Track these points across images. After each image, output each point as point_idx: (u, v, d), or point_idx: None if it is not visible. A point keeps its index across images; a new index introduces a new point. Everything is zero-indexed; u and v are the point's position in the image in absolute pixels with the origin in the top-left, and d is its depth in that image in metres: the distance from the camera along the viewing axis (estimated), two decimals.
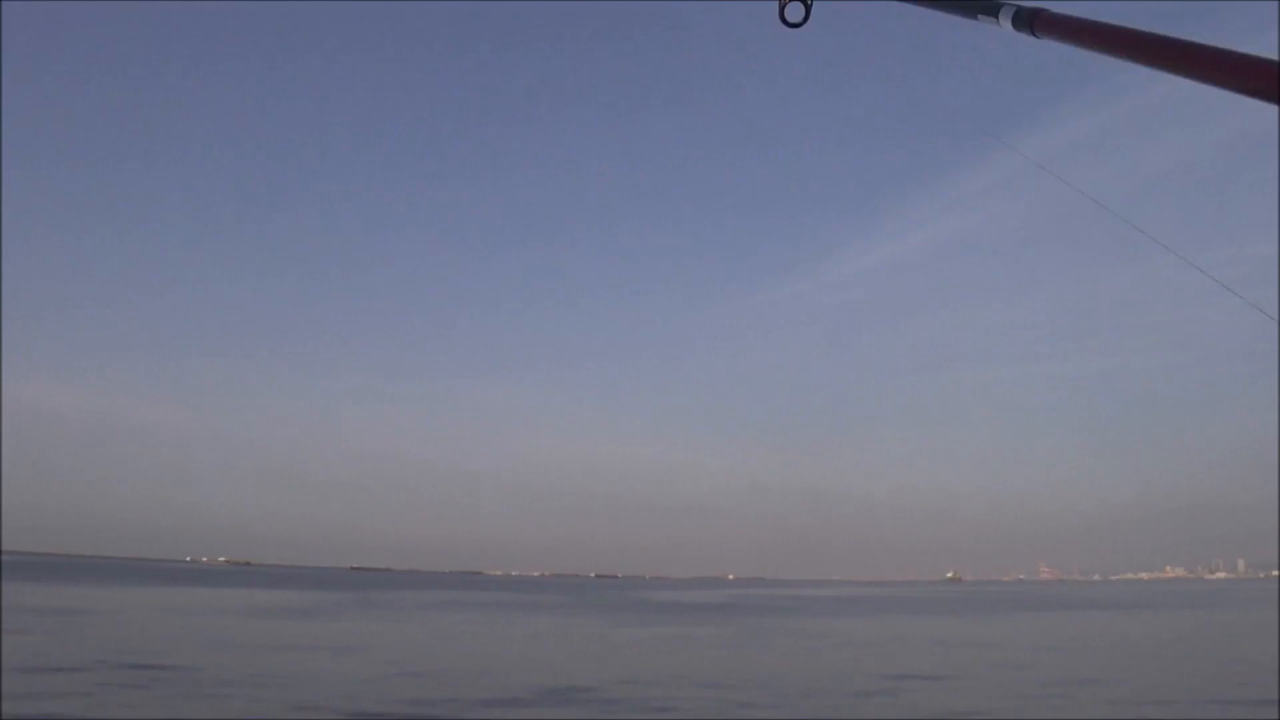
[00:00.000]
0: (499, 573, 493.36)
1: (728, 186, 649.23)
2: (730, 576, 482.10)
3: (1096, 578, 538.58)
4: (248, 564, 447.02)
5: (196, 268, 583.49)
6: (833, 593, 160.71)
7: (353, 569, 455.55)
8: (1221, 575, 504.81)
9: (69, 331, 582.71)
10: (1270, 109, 1.69)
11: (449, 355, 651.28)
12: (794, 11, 3.44)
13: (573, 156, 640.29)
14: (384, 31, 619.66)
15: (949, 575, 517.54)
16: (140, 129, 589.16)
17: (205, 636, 33.14)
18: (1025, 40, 2.30)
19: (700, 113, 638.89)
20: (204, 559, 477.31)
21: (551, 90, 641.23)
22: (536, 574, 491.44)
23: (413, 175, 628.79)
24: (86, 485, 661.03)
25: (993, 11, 2.36)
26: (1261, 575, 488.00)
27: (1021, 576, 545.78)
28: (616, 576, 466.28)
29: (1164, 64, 1.86)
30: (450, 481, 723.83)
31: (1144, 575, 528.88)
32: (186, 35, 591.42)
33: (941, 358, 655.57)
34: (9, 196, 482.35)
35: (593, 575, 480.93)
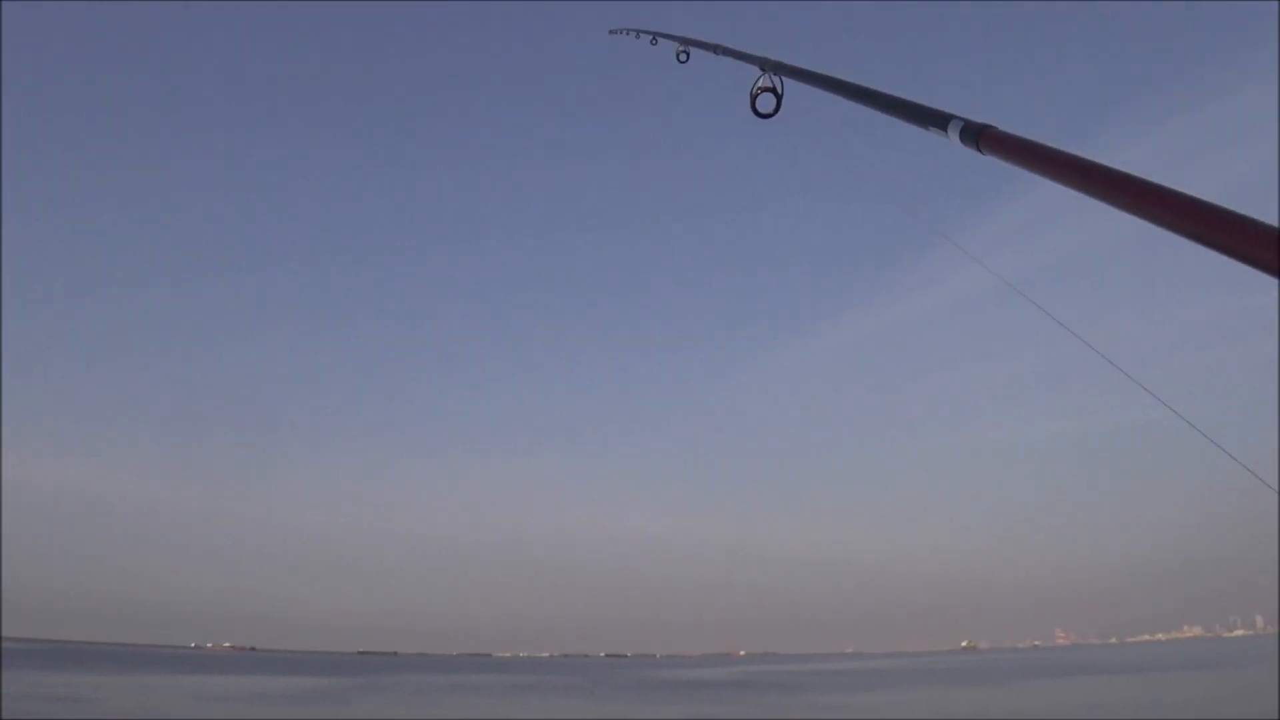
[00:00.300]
0: (507, 654, 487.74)
1: (711, 258, 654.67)
2: (741, 653, 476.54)
3: (1113, 640, 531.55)
4: (252, 649, 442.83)
5: (193, 341, 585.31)
6: (847, 666, 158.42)
7: (359, 653, 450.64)
8: (1240, 632, 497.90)
9: (65, 408, 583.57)
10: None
11: (458, 430, 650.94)
12: (765, 103, 3.64)
13: (565, 224, 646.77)
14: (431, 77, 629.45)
15: (964, 644, 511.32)
16: (129, 179, 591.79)
17: None
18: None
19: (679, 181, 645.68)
20: (208, 644, 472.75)
21: (548, 150, 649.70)
22: (545, 655, 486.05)
23: (406, 242, 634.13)
24: (83, 568, 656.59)
25: (942, 124, 2.44)
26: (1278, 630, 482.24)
27: (1037, 642, 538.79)
28: (626, 655, 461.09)
29: (1107, 197, 1.88)
30: (455, 560, 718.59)
31: (1161, 635, 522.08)
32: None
33: (946, 419, 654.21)
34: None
35: (602, 655, 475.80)
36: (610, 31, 6.63)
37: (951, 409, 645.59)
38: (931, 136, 2.49)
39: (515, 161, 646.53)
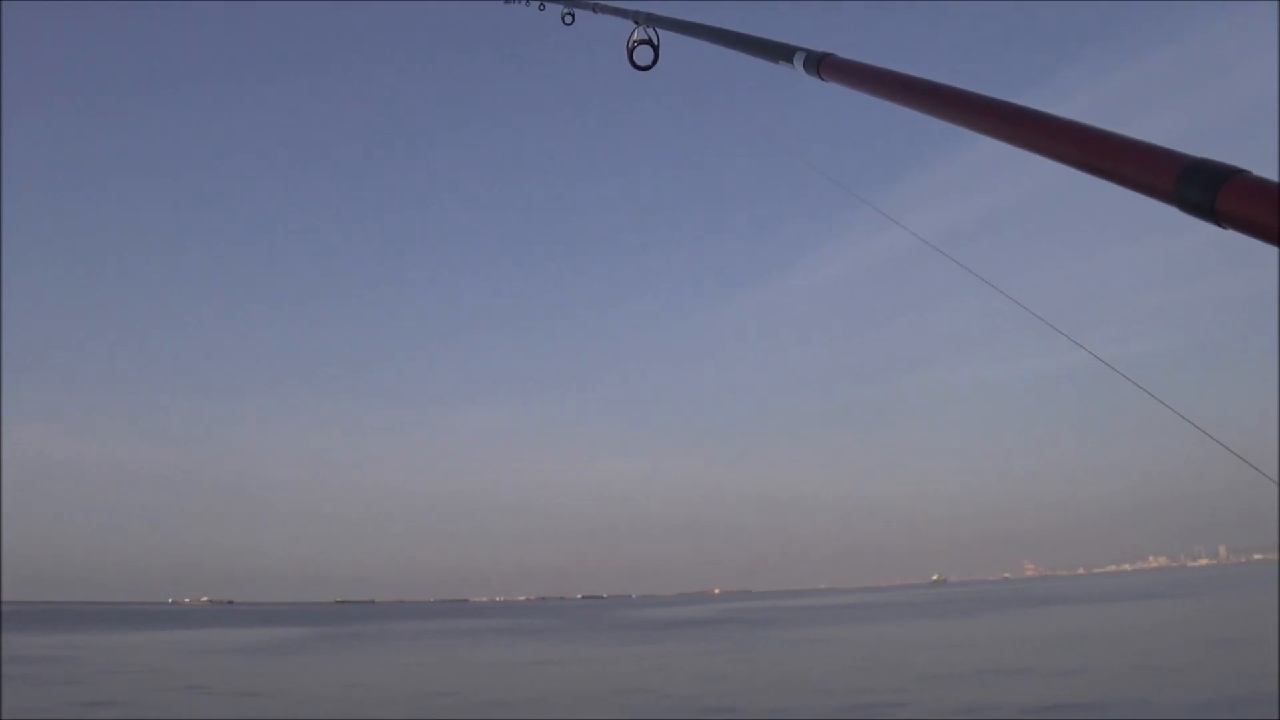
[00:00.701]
0: (485, 599, 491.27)
1: (688, 198, 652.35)
2: (716, 591, 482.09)
3: (1081, 571, 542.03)
4: (230, 603, 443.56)
5: (169, 301, 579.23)
6: (820, 602, 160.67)
7: (337, 603, 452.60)
8: (1204, 562, 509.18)
9: (41, 375, 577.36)
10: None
11: (426, 382, 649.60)
12: (642, 55, 3.70)
13: (542, 177, 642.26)
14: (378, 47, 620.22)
15: (934, 578, 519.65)
16: (112, 151, 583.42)
17: (190, 677, 32.66)
18: None
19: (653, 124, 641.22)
20: (185, 600, 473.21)
21: (518, 106, 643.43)
22: (522, 599, 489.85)
23: (384, 200, 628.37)
24: (55, 529, 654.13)
25: (788, 56, 2.51)
26: (1243, 560, 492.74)
27: (1007, 575, 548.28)
28: (603, 597, 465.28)
29: (945, 114, 1.83)
30: (431, 509, 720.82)
31: (1127, 566, 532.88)
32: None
33: (916, 360, 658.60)
34: None
35: (579, 597, 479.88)
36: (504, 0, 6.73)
37: (919, 351, 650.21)
38: (788, 72, 2.57)
39: (472, 119, 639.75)
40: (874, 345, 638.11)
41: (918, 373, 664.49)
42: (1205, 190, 1.28)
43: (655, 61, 3.68)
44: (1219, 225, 1.27)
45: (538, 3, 6.07)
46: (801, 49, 2.49)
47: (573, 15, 5.43)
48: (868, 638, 48.94)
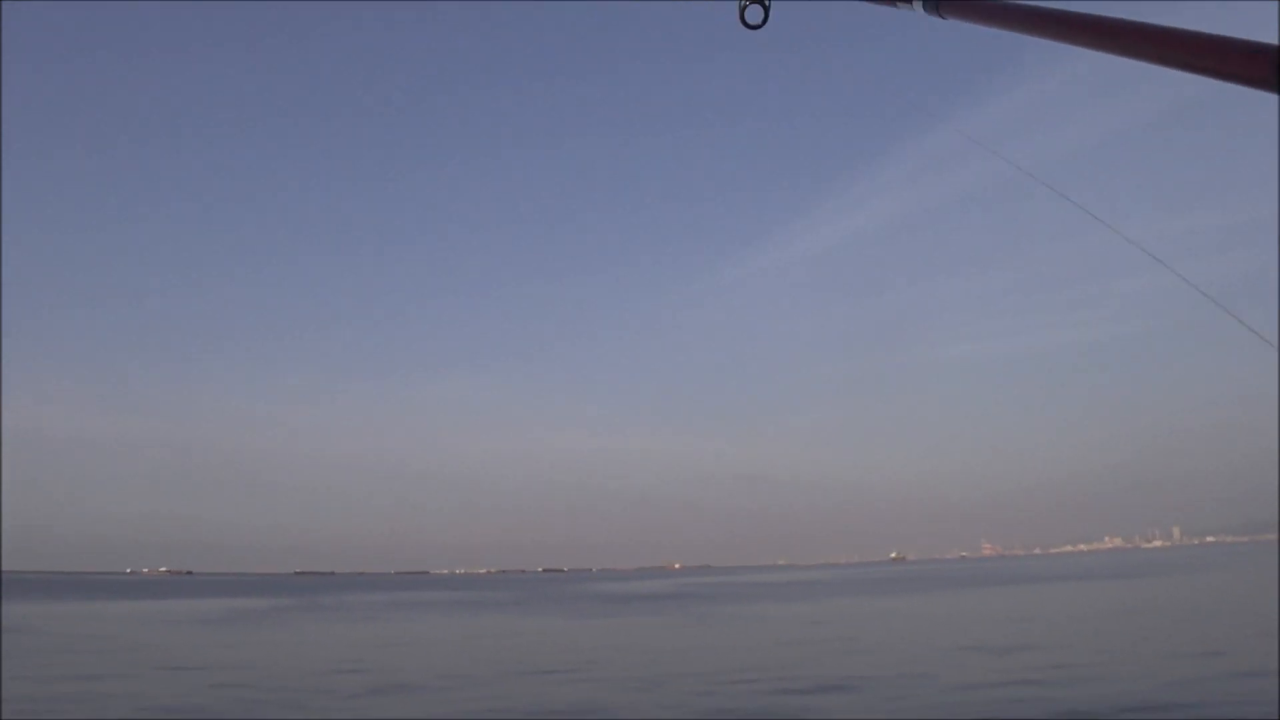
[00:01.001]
0: (445, 571, 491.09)
1: (664, 172, 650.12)
2: (677, 565, 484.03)
3: (1037, 551, 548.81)
4: (189, 573, 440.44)
5: (131, 271, 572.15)
6: (779, 577, 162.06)
7: (297, 573, 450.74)
8: (1158, 543, 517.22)
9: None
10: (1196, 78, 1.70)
11: (389, 353, 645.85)
12: (754, 14, 3.65)
13: (518, 146, 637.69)
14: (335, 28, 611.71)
15: (893, 555, 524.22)
16: (75, 122, 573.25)
17: (148, 648, 32.90)
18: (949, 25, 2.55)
19: (634, 95, 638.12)
20: (144, 570, 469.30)
21: (496, 72, 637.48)
22: (483, 571, 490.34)
23: (354, 169, 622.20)
24: (20, 498, 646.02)
25: None
26: (1196, 541, 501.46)
27: (964, 554, 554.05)
28: (563, 570, 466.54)
29: (1058, 35, 1.97)
30: (393, 480, 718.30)
31: (1083, 547, 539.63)
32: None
33: (879, 338, 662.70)
34: None
35: (540, 570, 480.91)
36: None
37: (880, 330, 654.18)
38: (908, 14, 2.70)
39: (439, 83, 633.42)
40: (839, 324, 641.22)
41: (883, 352, 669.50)
42: None
43: (765, 20, 3.65)
44: None
45: None
46: None
47: None
48: (815, 614, 49.80)
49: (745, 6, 3.64)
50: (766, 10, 3.64)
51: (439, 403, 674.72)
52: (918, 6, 2.54)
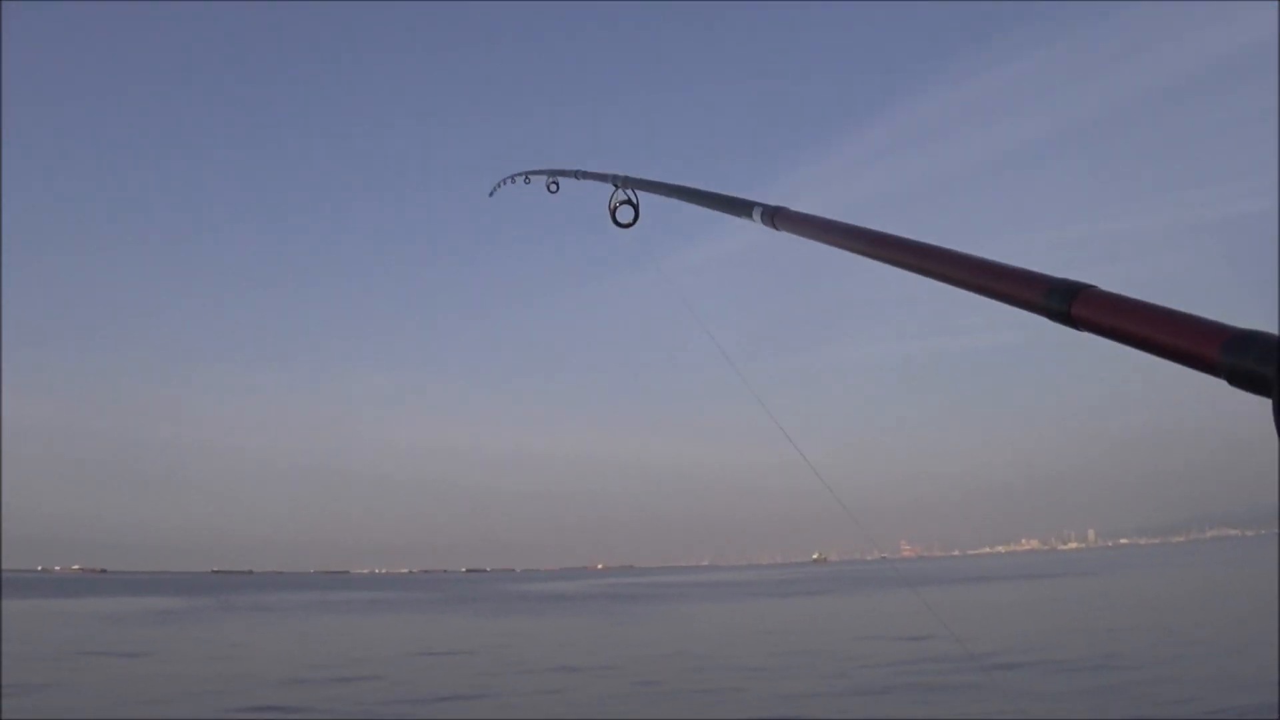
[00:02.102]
0: (366, 571, 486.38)
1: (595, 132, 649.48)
2: (599, 566, 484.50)
3: (956, 553, 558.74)
4: (103, 571, 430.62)
5: (41, 248, 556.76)
6: (702, 578, 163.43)
7: (214, 572, 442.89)
8: (1074, 545, 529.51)
9: None
10: None
11: (303, 343, 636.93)
12: (624, 214, 3.95)
13: (445, 116, 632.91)
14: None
15: (815, 556, 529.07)
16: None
17: (58, 647, 32.62)
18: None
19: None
20: (56, 567, 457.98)
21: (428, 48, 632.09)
22: (405, 571, 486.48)
23: (264, 138, 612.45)
24: None
25: (747, 211, 2.86)
26: (1110, 544, 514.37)
27: (884, 555, 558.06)
28: (486, 571, 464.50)
29: (875, 254, 2.17)
30: (313, 477, 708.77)
31: (1001, 549, 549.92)
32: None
33: (801, 338, 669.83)
34: None
35: (463, 570, 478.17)
36: (489, 194, 7.09)
37: (803, 330, 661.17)
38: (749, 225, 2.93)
39: (365, 46, 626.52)
40: (762, 322, 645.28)
41: (803, 351, 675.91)
42: (1063, 301, 1.62)
43: (636, 219, 3.91)
44: (1076, 329, 1.58)
45: (523, 177, 6.31)
46: (759, 204, 2.75)
47: (557, 184, 5.63)
48: (742, 613, 50.76)
49: (616, 207, 3.95)
50: (636, 210, 3.93)
51: (359, 397, 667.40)
52: (757, 219, 2.77)
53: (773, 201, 2.73)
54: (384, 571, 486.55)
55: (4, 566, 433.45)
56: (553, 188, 5.62)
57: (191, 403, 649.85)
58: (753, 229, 2.78)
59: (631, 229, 3.93)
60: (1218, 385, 1.14)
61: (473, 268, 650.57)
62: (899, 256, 2.04)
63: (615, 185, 3.98)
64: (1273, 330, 1.07)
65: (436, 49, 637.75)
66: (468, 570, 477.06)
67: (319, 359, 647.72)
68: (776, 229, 2.62)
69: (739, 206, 2.90)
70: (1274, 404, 1.06)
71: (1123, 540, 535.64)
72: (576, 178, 4.96)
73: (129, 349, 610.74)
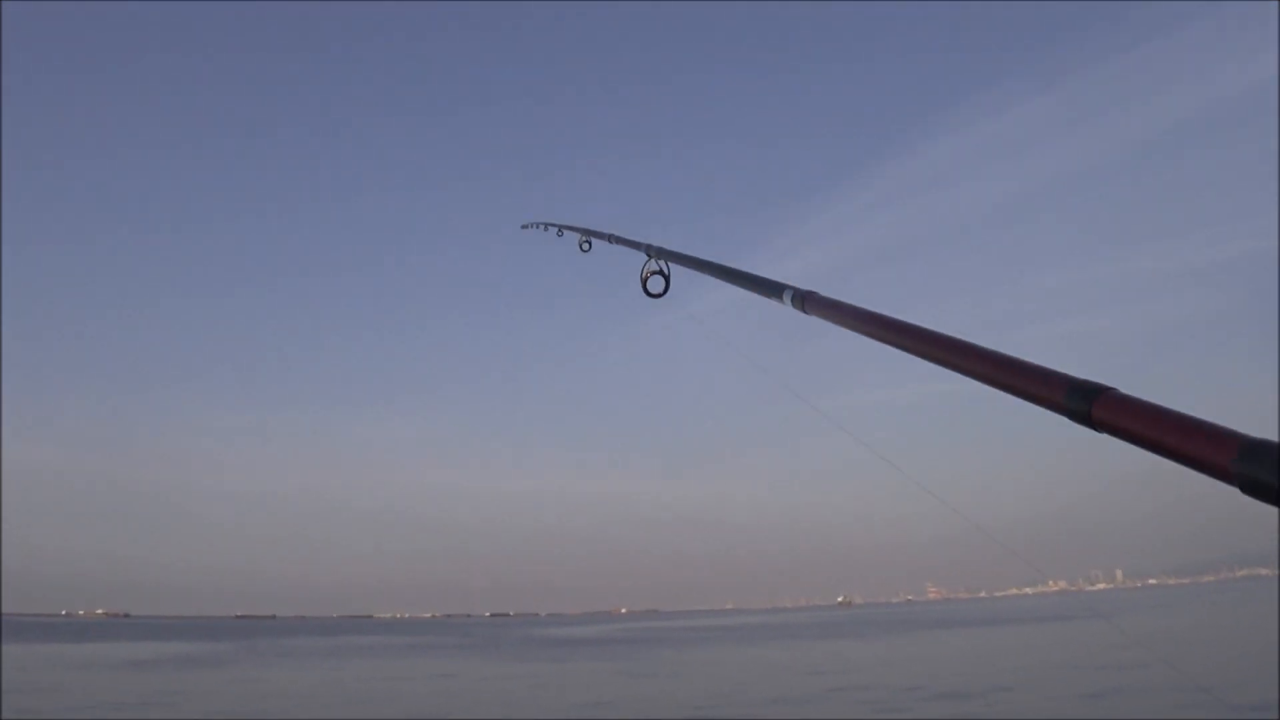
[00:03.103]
0: (389, 616, 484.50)
1: (609, 210, 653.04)
2: (623, 610, 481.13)
3: (982, 594, 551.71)
4: (126, 615, 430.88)
5: (68, 298, 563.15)
6: (727, 621, 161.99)
7: (237, 617, 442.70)
8: (1101, 586, 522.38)
9: None
10: None
11: (327, 389, 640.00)
12: (655, 285, 4.01)
13: (455, 169, 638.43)
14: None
15: (840, 599, 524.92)
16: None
17: (84, 694, 32.38)
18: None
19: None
20: (79, 611, 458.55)
21: (431, 97, 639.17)
22: (428, 615, 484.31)
23: (283, 199, 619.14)
24: None
25: (778, 293, 2.87)
26: (1138, 584, 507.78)
27: (910, 597, 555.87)
28: (509, 615, 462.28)
29: (899, 344, 2.19)
30: (337, 521, 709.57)
31: (1028, 590, 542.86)
32: None
33: (830, 378, 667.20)
34: None
35: (486, 614, 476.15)
36: (523, 226, 7.01)
37: (834, 369, 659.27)
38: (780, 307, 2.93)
39: (390, 111, 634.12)
40: (794, 361, 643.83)
41: (832, 392, 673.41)
42: (1084, 401, 1.61)
43: (666, 289, 3.98)
44: (1095, 430, 1.60)
45: (556, 230, 6.33)
46: (790, 286, 2.77)
47: (590, 243, 5.66)
48: (753, 659, 49.99)
49: (648, 277, 4.01)
50: (667, 281, 3.99)
51: (381, 442, 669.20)
52: (787, 302, 2.77)
53: (802, 286, 2.75)
54: (407, 616, 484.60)
55: (28, 611, 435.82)
56: (585, 247, 5.66)
57: (214, 447, 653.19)
58: (782, 310, 2.82)
59: (663, 298, 3.99)
60: (1247, 426, 1.25)
61: (492, 315, 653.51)
62: (922, 348, 2.10)
63: (649, 255, 4.06)
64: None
65: (459, 106, 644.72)
66: (491, 614, 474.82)
67: (341, 404, 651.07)
68: (806, 313, 2.66)
69: (770, 288, 2.93)
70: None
71: (1151, 580, 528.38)
72: (610, 241, 4.98)
73: (151, 393, 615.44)
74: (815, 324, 2.60)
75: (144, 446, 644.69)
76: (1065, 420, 1.63)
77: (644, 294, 4.00)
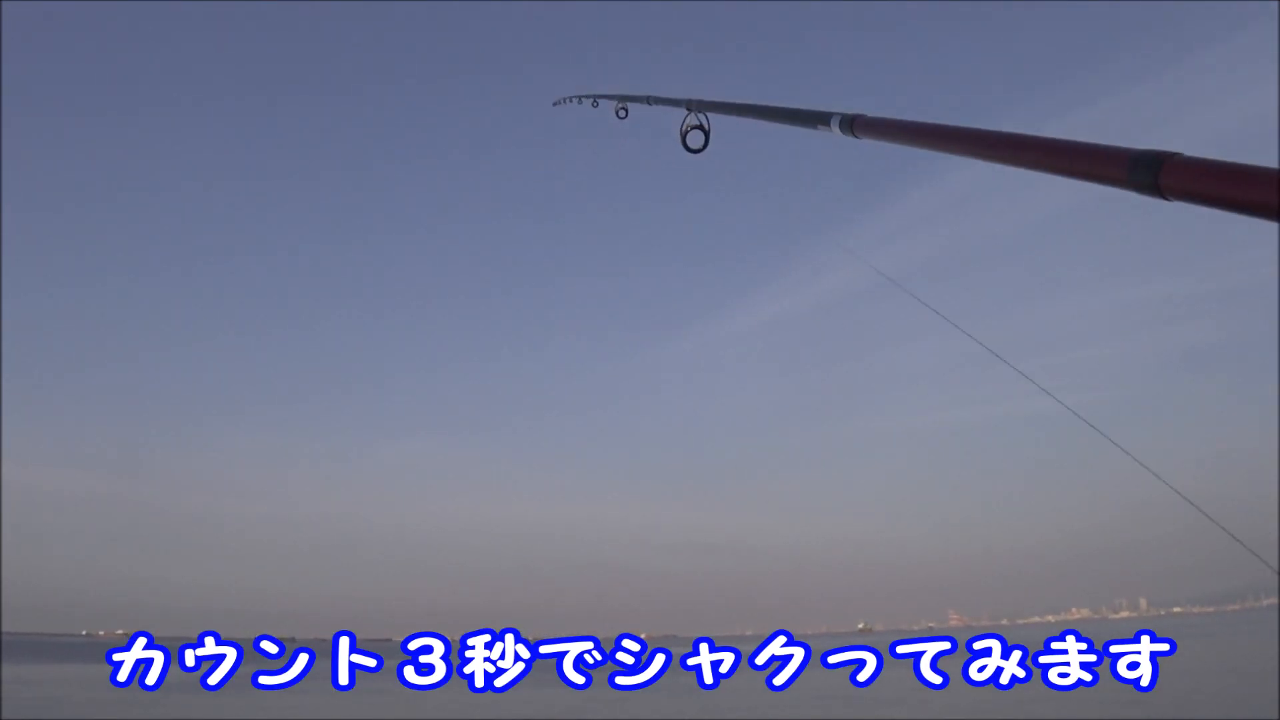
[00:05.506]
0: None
1: (633, 235, 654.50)
2: (643, 635, 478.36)
3: (1005, 621, 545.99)
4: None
5: (98, 328, 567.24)
6: (745, 648, 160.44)
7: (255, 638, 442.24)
8: (1125, 614, 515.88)
9: None
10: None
11: (363, 415, 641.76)
12: (695, 139, 3.95)
13: (473, 209, 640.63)
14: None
15: (860, 626, 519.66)
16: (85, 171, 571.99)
17: (111, 715, 32.50)
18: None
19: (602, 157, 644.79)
20: (100, 632, 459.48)
21: (452, 140, 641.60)
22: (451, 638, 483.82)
23: (315, 231, 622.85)
24: None
25: (825, 121, 2.82)
26: (1163, 612, 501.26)
27: (931, 624, 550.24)
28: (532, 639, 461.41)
29: (967, 151, 2.16)
30: (356, 546, 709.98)
31: (1051, 617, 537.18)
32: None
33: (851, 404, 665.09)
34: None
35: None
36: (554, 103, 6.93)
37: (854, 396, 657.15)
38: (827, 135, 2.93)
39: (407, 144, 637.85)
40: (801, 392, 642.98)
41: (852, 418, 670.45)
42: (1149, 172, 1.55)
43: (706, 144, 3.91)
44: (1164, 199, 1.55)
45: (590, 100, 6.19)
46: (835, 113, 2.75)
47: (626, 109, 5.54)
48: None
49: (687, 132, 3.95)
50: (707, 136, 3.94)
51: (401, 468, 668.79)
52: (835, 129, 2.75)
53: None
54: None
55: (50, 631, 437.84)
56: (621, 113, 5.54)
57: (237, 471, 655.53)
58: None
59: (703, 153, 3.93)
60: (1272, 452, 1.12)
61: (519, 346, 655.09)
62: (981, 150, 2.10)
63: (688, 109, 3.97)
64: None
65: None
66: None
67: (361, 430, 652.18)
68: (856, 137, 2.65)
69: (814, 119, 2.90)
70: None
71: (1175, 609, 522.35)
72: (648, 103, 4.89)
73: (178, 420, 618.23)
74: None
75: (176, 470, 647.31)
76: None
77: (684, 149, 3.95)
